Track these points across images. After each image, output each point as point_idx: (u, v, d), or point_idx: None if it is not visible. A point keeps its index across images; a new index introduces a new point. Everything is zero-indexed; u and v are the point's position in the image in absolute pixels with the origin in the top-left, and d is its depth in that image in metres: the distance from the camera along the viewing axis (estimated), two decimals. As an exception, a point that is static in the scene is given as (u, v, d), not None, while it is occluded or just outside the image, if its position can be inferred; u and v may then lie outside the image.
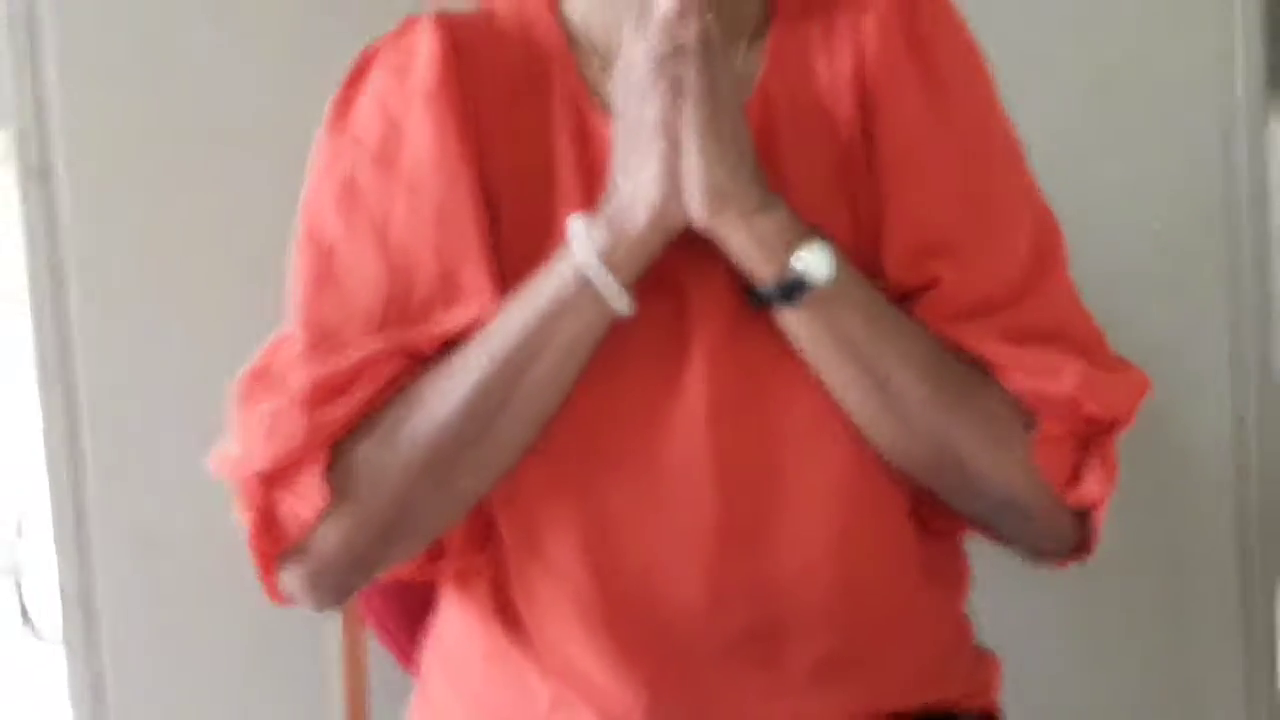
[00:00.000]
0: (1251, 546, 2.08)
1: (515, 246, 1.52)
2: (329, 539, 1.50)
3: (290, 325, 1.53)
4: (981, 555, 1.62)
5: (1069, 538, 1.55)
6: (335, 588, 1.54)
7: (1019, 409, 1.50)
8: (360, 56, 1.58)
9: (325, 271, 1.53)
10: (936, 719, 1.57)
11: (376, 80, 1.56)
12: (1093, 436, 1.52)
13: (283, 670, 1.99)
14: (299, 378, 1.50)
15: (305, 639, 1.90)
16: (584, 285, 1.46)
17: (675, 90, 1.44)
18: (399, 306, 1.51)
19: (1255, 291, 2.04)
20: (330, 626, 1.82)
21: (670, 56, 1.43)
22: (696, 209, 1.45)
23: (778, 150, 1.52)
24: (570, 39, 1.56)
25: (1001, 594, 1.71)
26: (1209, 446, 1.77)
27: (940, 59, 1.54)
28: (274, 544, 1.51)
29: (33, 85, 1.93)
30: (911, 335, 1.50)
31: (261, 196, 1.88)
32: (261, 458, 1.49)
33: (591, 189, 1.51)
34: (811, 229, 1.47)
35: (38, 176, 1.94)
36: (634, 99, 1.45)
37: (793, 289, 1.46)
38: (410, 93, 1.53)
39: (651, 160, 1.44)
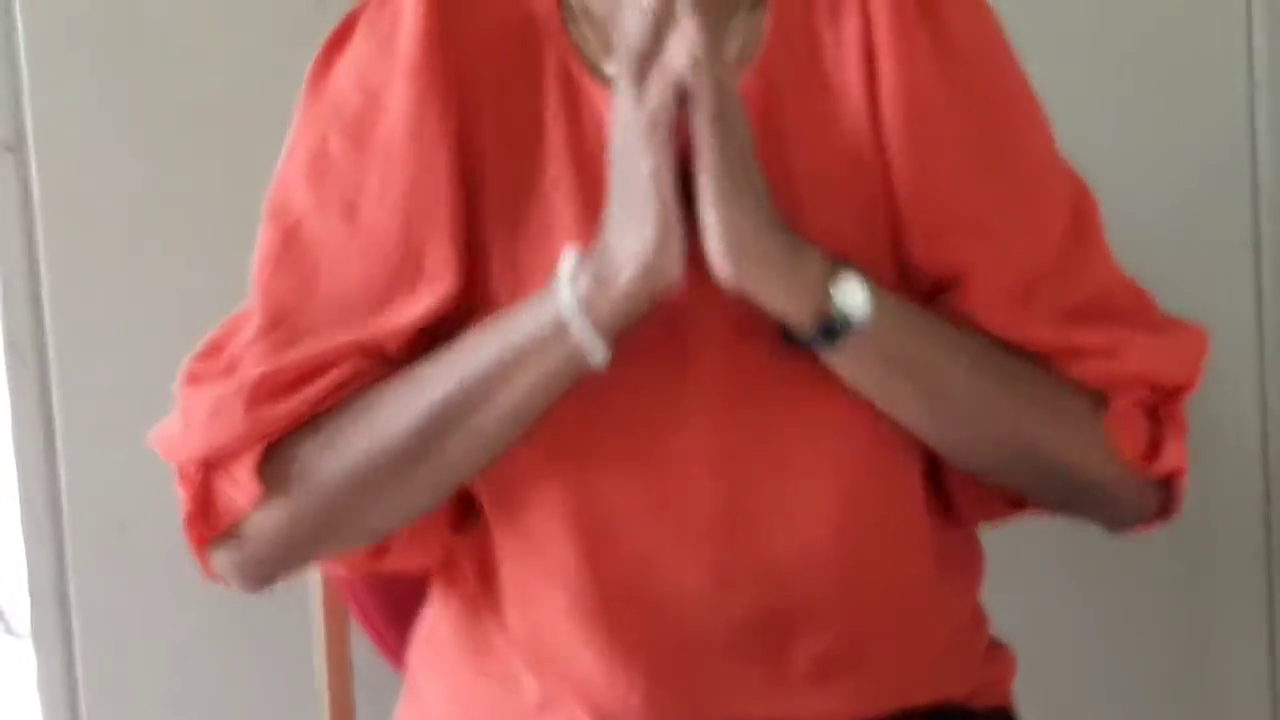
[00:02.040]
0: (1279, 538, 2.08)
1: (502, 216, 1.48)
2: (262, 529, 1.48)
3: (249, 301, 1.50)
4: (996, 544, 1.59)
5: (1153, 505, 1.54)
6: (266, 575, 1.52)
7: (1086, 392, 1.48)
8: (344, 19, 1.53)
9: (289, 246, 1.49)
10: (948, 716, 1.53)
11: (358, 47, 1.51)
12: (1161, 404, 1.50)
13: (263, 668, 1.97)
14: (249, 366, 1.47)
15: (286, 635, 1.88)
16: (562, 330, 1.41)
17: (672, 146, 1.37)
18: (362, 287, 1.47)
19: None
20: (313, 621, 1.79)
21: (666, 111, 1.37)
22: (720, 272, 1.39)
23: (782, 127, 1.47)
24: (563, 2, 1.51)
25: (1017, 584, 1.70)
26: (1235, 425, 1.77)
27: (953, 20, 1.48)
28: (209, 528, 1.49)
29: (4, 53, 1.91)
30: (961, 340, 1.46)
31: (242, 174, 1.85)
32: (199, 444, 1.47)
33: (582, 159, 1.47)
34: (841, 263, 1.42)
35: (5, 151, 1.91)
36: (629, 152, 1.39)
37: (832, 330, 1.42)
38: (392, 63, 1.49)
39: (646, 221, 1.38)
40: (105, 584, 1.94)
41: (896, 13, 1.47)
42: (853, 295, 1.41)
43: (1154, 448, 1.50)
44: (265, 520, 1.47)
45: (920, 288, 1.47)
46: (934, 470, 1.52)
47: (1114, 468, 1.49)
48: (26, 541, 1.94)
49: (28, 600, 1.94)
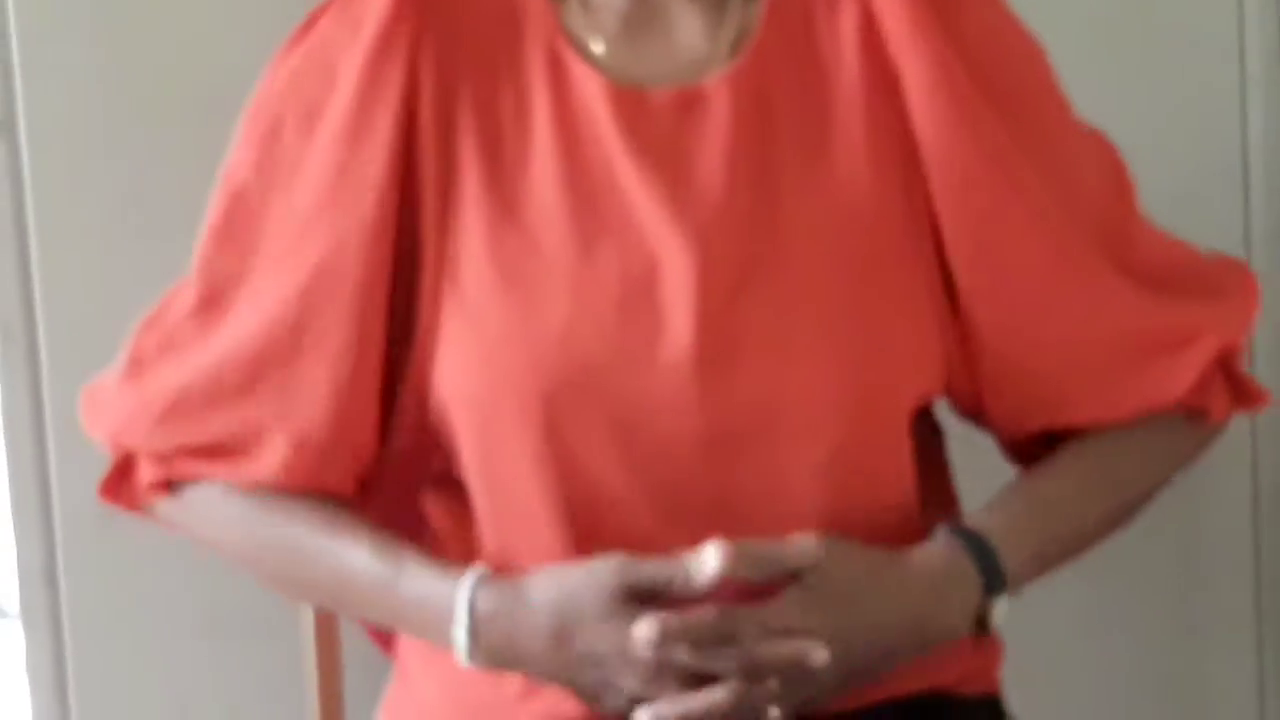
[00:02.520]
0: (1266, 525, 2.07)
1: (485, 195, 1.47)
2: (166, 518, 1.58)
3: (191, 269, 1.55)
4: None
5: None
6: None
7: (1185, 418, 1.55)
8: (323, 2, 1.54)
9: (230, 218, 1.53)
10: (934, 704, 1.53)
11: (326, 27, 1.52)
12: (1230, 362, 1.57)
13: (252, 649, 1.95)
14: (180, 343, 1.52)
15: (275, 616, 1.86)
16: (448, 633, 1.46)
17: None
18: (285, 270, 1.50)
19: (1272, 255, 2.03)
20: (302, 605, 1.77)
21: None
22: None
23: (775, 115, 1.47)
24: None
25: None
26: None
27: (964, 4, 1.49)
28: (118, 497, 1.58)
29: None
30: (1076, 503, 1.54)
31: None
32: (110, 440, 1.57)
33: (569, 141, 1.47)
34: (994, 585, 1.48)
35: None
36: (616, 665, 1.41)
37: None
38: (355, 43, 1.49)
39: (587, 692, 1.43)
40: (94, 564, 1.93)
41: (907, 3, 1.47)
42: (1001, 613, 1.48)
43: (1240, 395, 1.57)
44: (166, 514, 1.56)
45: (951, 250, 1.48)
46: None
47: (1213, 436, 1.59)
48: (15, 522, 1.93)
49: (16, 581, 1.93)
